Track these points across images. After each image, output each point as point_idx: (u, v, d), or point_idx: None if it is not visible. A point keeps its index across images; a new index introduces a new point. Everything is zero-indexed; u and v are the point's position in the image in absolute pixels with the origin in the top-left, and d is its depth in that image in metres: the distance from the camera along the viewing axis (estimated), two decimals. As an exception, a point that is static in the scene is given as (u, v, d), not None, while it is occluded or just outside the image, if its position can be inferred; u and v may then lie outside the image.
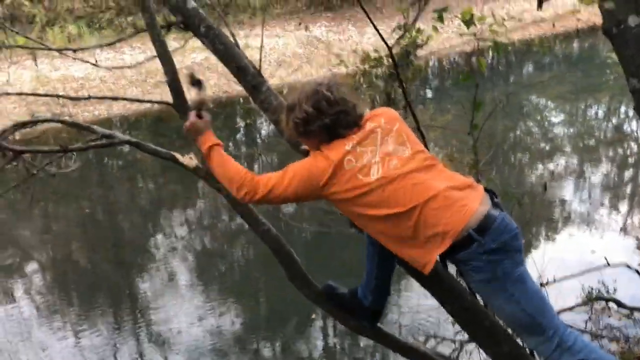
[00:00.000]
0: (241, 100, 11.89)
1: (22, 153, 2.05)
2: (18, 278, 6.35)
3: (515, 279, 2.03)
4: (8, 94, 2.19)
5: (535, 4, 15.46)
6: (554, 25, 15.23)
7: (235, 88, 11.94)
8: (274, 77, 12.36)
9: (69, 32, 14.10)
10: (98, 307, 5.81)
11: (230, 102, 11.95)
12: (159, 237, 7.31)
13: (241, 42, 2.50)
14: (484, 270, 2.01)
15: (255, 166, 9.24)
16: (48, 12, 14.29)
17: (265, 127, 11.01)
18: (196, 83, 2.24)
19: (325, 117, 2.05)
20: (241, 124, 11.22)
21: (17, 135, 2.44)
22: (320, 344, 5.21)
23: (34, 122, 2.20)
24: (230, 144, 10.36)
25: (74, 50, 2.24)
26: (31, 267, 6.66)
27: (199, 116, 2.25)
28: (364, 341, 4.92)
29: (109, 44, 2.34)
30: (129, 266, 6.62)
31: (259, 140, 10.89)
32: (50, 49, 2.38)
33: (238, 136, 10.88)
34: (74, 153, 2.36)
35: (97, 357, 5.03)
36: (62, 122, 2.19)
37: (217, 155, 2.20)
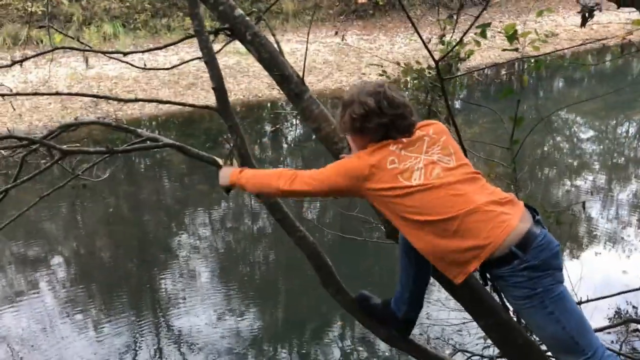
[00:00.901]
0: (269, 105, 11.98)
1: (69, 153, 2.09)
2: (44, 271, 6.47)
3: (556, 296, 2.02)
4: (67, 94, 2.24)
5: (568, 18, 15.31)
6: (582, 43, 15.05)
7: (265, 92, 12.04)
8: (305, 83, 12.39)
9: (105, 31, 14.35)
10: (120, 303, 5.89)
11: (260, 106, 12.04)
12: (184, 236, 7.38)
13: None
14: (524, 287, 2.00)
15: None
16: (85, 11, 14.56)
17: (292, 133, 11.07)
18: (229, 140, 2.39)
19: (384, 116, 2.06)
20: (268, 128, 11.29)
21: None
22: (338, 351, 5.20)
23: (78, 125, 2.24)
24: (257, 147, 10.44)
25: (124, 54, 2.29)
26: (57, 260, 6.78)
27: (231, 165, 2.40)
28: (388, 351, 4.91)
29: (159, 48, 2.39)
30: (152, 264, 6.70)
31: (285, 145, 10.94)
32: (101, 52, 2.42)
33: (265, 140, 10.95)
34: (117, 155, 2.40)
35: (117, 351, 5.10)
36: (106, 124, 2.24)
37: (246, 172, 2.29)
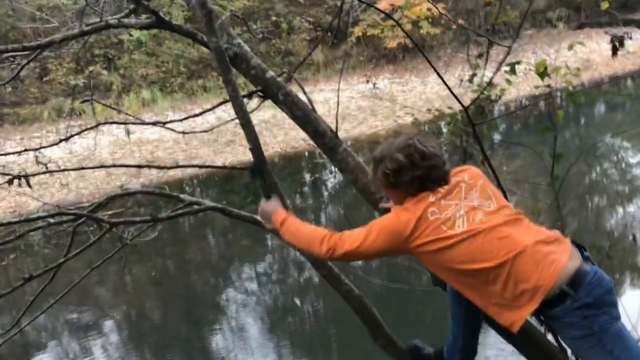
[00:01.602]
0: (307, 154, 12.10)
1: (116, 224, 2.16)
2: (96, 335, 6.55)
3: (614, 334, 1.95)
4: (110, 166, 2.34)
5: (602, 43, 15.15)
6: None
7: (302, 143, 12.19)
8: (340, 131, 12.32)
9: (143, 97, 14.88)
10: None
11: (297, 157, 12.18)
12: (231, 292, 7.41)
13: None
14: (579, 327, 1.94)
15: (323, 219, 9.32)
16: (124, 79, 15.16)
17: (331, 181, 11.12)
18: (254, 174, 2.35)
19: (418, 169, 2.07)
20: (307, 177, 11.38)
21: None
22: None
23: (124, 195, 2.32)
24: (298, 197, 10.51)
25: (164, 124, 2.37)
26: (108, 324, 6.86)
27: (268, 198, 2.35)
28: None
29: (195, 115, 2.47)
30: (201, 322, 6.72)
31: (325, 193, 10.98)
32: (142, 123, 2.52)
33: (305, 189, 11.02)
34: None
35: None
36: (150, 193, 2.31)
37: (290, 226, 2.25)
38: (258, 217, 2.45)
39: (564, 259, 1.97)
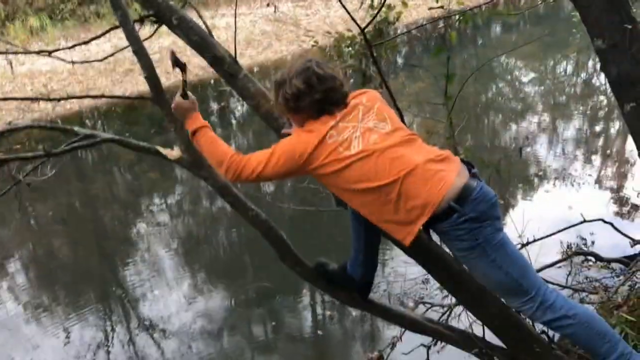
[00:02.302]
0: (213, 82, 11.81)
1: (7, 161, 2.06)
2: (2, 276, 6.33)
3: (497, 244, 2.12)
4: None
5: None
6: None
7: (208, 71, 11.86)
8: (244, 57, 12.28)
9: (31, 25, 13.81)
10: (86, 301, 5.81)
11: (203, 85, 11.86)
12: (141, 225, 7.31)
13: (207, 23, 2.51)
14: (466, 239, 2.10)
15: (233, 147, 9.24)
16: (7, 6, 13.94)
17: (239, 109, 10.98)
18: (179, 64, 2.26)
19: (316, 92, 2.10)
20: (215, 106, 11.16)
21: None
22: (311, 318, 5.31)
23: (14, 130, 2.21)
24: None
25: (50, 53, 2.24)
26: (14, 266, 6.62)
27: (184, 96, 2.28)
28: (353, 312, 5.04)
29: (85, 42, 2.34)
30: (113, 258, 6.63)
31: (234, 122, 10.85)
32: (28, 52, 2.36)
33: (213, 119, 10.83)
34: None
35: (88, 348, 5.07)
36: (42, 127, 2.21)
37: (203, 136, 2.25)
38: (159, 148, 2.41)
39: (452, 176, 2.09)
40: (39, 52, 2.30)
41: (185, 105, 2.28)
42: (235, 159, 2.17)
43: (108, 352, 5.07)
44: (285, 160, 2.12)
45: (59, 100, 2.11)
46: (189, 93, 2.30)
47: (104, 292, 6.03)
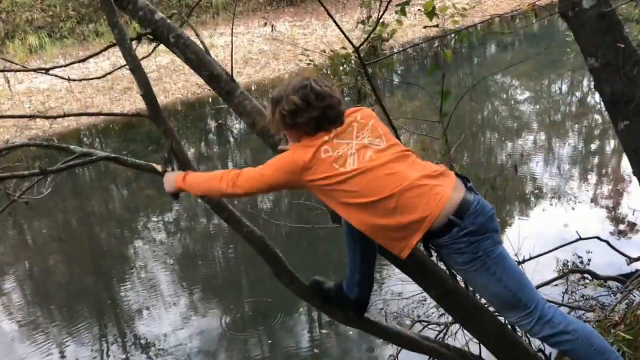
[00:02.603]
0: (210, 100, 11.86)
1: (2, 179, 2.06)
2: (-3, 295, 6.29)
3: (496, 257, 2.13)
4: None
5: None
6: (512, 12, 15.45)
7: (204, 89, 11.91)
8: (242, 75, 12.36)
9: (30, 43, 13.88)
10: (81, 319, 5.77)
11: (200, 103, 11.90)
12: (137, 243, 7.29)
13: (206, 42, 2.54)
14: (466, 252, 2.10)
15: (230, 164, 9.25)
16: (7, 25, 14.02)
17: (237, 126, 11.01)
18: (167, 161, 2.42)
19: (313, 109, 2.12)
20: (212, 124, 11.19)
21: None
22: (307, 336, 5.28)
23: (10, 149, 2.21)
24: (203, 144, 10.34)
25: (46, 70, 2.25)
26: (9, 284, 6.58)
27: (171, 168, 2.43)
28: (350, 331, 5.01)
29: (81, 60, 2.36)
30: (109, 275, 6.59)
31: (231, 139, 10.88)
32: (25, 70, 2.38)
33: (210, 136, 10.86)
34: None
35: (84, 368, 5.03)
36: (37, 145, 2.21)
37: (190, 178, 2.33)
38: (154, 165, 2.43)
39: (448, 191, 2.11)
40: (36, 70, 2.31)
41: (169, 175, 2.40)
42: (231, 171, 2.23)
43: (102, 372, 5.03)
44: (280, 173, 2.15)
45: (56, 117, 2.12)
46: (175, 166, 2.44)
47: (99, 310, 5.98)
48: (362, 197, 2.08)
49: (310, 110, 2.12)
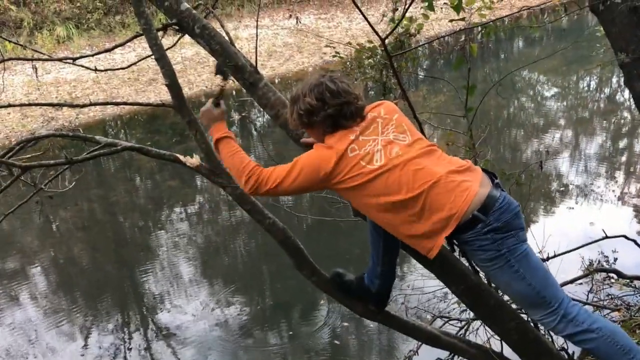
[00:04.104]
0: (234, 92, 11.90)
1: (29, 168, 2.09)
2: (23, 282, 6.40)
3: (520, 255, 2.10)
4: (20, 105, 2.22)
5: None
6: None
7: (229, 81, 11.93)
8: (266, 68, 12.38)
9: (58, 34, 14.07)
10: (104, 307, 5.86)
11: (224, 95, 11.92)
12: (160, 233, 7.36)
13: (230, 34, 2.54)
14: (489, 249, 2.07)
15: (252, 157, 9.28)
16: (35, 15, 14.23)
17: (261, 119, 11.05)
18: (221, 72, 2.30)
19: (329, 107, 2.11)
20: (235, 116, 11.24)
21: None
22: (327, 328, 5.29)
23: (37, 139, 2.24)
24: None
25: (74, 60, 2.28)
26: (35, 271, 6.70)
27: (217, 104, 2.33)
28: (370, 324, 5.01)
29: (107, 50, 2.38)
30: (132, 265, 6.68)
31: (254, 132, 10.91)
32: (52, 59, 2.41)
33: (233, 129, 10.91)
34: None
35: (107, 356, 5.10)
36: (64, 136, 2.24)
37: (226, 146, 2.28)
38: (178, 156, 2.43)
39: (475, 186, 2.08)
40: (62, 59, 2.33)
41: (214, 113, 2.33)
42: (256, 171, 2.17)
43: (125, 358, 5.10)
44: (305, 175, 2.11)
45: (82, 106, 2.14)
46: (222, 102, 2.34)
47: (122, 298, 6.07)
48: (391, 196, 2.06)
49: (326, 108, 2.11)
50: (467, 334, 3.45)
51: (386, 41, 2.39)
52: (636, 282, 4.21)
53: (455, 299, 3.05)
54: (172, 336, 5.30)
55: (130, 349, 5.21)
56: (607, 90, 10.99)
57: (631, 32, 2.58)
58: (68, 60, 2.30)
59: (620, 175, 7.37)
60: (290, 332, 5.25)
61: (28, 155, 2.72)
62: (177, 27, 2.44)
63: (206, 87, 11.96)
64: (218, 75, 2.33)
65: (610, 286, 4.39)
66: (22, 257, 7.00)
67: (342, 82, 2.16)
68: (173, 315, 5.56)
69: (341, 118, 2.12)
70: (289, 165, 2.15)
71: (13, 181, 2.12)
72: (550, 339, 2.81)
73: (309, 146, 2.30)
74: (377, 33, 2.38)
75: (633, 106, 9.13)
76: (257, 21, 2.92)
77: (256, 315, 5.51)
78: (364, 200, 2.11)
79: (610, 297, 4.22)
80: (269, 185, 2.15)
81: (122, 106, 11.37)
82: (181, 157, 2.44)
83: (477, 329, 3.42)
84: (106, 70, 2.58)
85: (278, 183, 2.14)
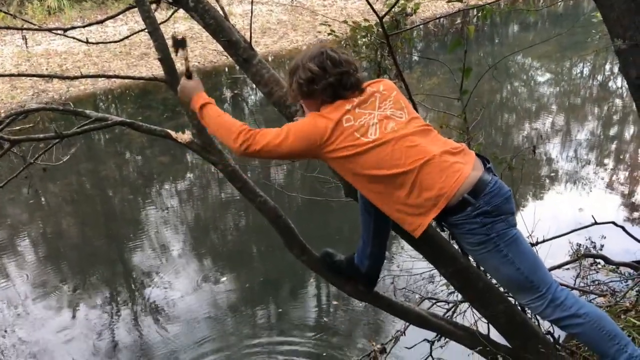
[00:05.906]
0: (227, 69, 11.81)
1: (18, 142, 2.06)
2: (11, 255, 6.37)
3: (509, 239, 2.11)
4: (8, 75, 2.18)
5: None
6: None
7: (221, 58, 11.85)
8: (260, 45, 12.26)
9: (49, 5, 13.85)
10: (93, 281, 5.86)
11: (217, 72, 11.86)
12: (150, 208, 7.34)
13: (225, 9, 2.50)
14: (478, 233, 2.08)
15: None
16: (26, -15, 13.99)
17: (253, 97, 10.97)
18: (179, 43, 2.24)
19: (330, 76, 2.09)
20: (228, 94, 11.16)
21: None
22: (316, 307, 5.32)
23: (27, 112, 2.20)
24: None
25: (65, 30, 2.23)
26: (23, 244, 6.67)
27: (189, 77, 2.27)
28: (358, 304, 5.03)
29: (99, 22, 2.34)
30: (121, 239, 6.66)
31: (246, 110, 10.85)
32: (42, 29, 2.36)
33: (225, 106, 10.83)
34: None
35: (94, 330, 5.10)
36: (54, 109, 2.21)
37: (210, 111, 2.22)
38: (169, 131, 2.41)
39: (468, 169, 2.08)
40: (52, 30, 2.29)
41: (191, 85, 2.27)
42: (246, 128, 2.13)
43: (112, 332, 5.11)
44: (299, 140, 2.09)
45: (72, 78, 2.11)
46: (193, 73, 2.29)
47: (111, 273, 6.06)
48: (382, 169, 2.05)
49: (327, 76, 2.09)
50: (455, 315, 3.47)
51: (383, 20, 2.36)
52: (623, 269, 4.25)
53: (444, 281, 3.06)
54: (160, 311, 5.31)
55: (118, 323, 5.21)
56: (600, 77, 10.99)
57: (629, 18, 2.57)
58: (59, 31, 2.25)
59: (610, 162, 7.41)
60: (280, 310, 5.27)
61: (18, 127, 2.68)
62: (170, 1, 2.40)
63: (198, 62, 11.84)
64: (178, 49, 2.25)
65: (597, 272, 4.43)
66: (11, 229, 6.96)
67: (343, 53, 2.16)
68: (161, 290, 5.57)
69: (341, 88, 2.11)
70: (281, 129, 2.13)
71: (1, 155, 2.09)
72: (536, 323, 2.84)
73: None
74: (374, 11, 2.36)
75: (625, 93, 9.16)
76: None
77: (245, 293, 5.52)
78: (355, 171, 2.10)
79: (597, 282, 4.26)
80: (261, 145, 2.11)
81: (113, 80, 11.25)
82: (172, 133, 2.42)
83: (465, 311, 3.44)
84: (98, 43, 2.54)
85: (270, 143, 2.10)
